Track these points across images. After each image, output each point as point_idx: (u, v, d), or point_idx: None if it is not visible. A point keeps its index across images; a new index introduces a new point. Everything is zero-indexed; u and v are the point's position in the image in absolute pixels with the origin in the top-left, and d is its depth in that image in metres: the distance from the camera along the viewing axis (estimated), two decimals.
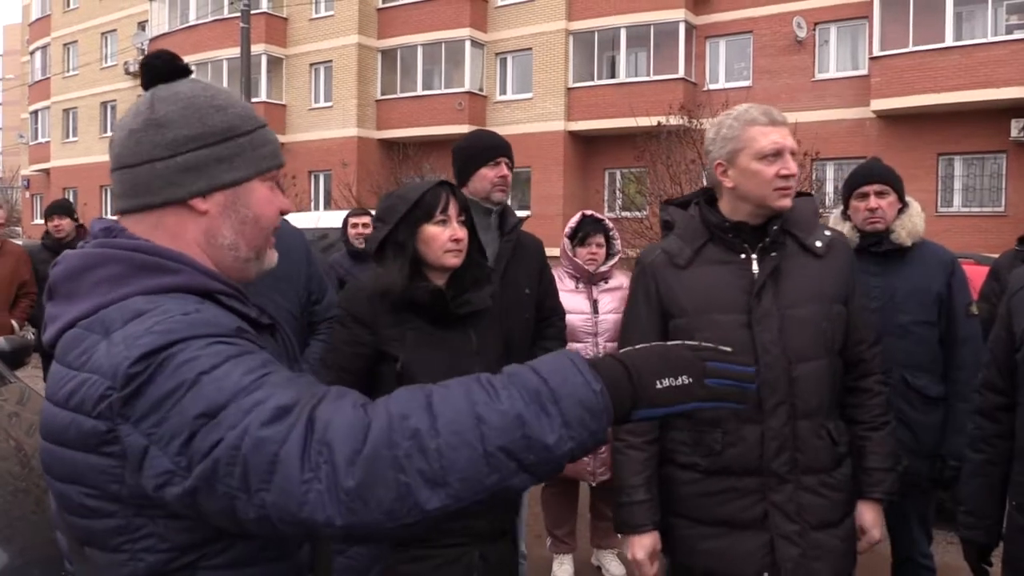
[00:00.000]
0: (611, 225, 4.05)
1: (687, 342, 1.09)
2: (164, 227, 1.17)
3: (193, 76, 1.24)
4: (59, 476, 1.08)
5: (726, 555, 2.11)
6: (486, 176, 2.91)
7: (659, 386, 1.01)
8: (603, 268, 3.96)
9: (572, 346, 3.85)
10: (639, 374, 1.01)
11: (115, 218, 1.22)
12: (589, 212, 4.12)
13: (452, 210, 2.17)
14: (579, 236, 3.97)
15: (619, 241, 4.09)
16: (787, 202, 2.07)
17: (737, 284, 2.10)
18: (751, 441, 2.07)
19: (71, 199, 32.45)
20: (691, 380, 1.03)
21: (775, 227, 2.11)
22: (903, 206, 3.12)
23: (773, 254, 2.11)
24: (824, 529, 2.09)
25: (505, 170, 2.94)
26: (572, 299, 3.90)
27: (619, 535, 4.03)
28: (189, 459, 0.95)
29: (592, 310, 3.93)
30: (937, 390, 3.02)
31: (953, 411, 3.00)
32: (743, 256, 2.12)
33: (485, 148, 2.97)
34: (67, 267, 1.13)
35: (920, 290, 3.02)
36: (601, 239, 3.97)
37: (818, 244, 2.14)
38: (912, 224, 3.07)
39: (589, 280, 3.97)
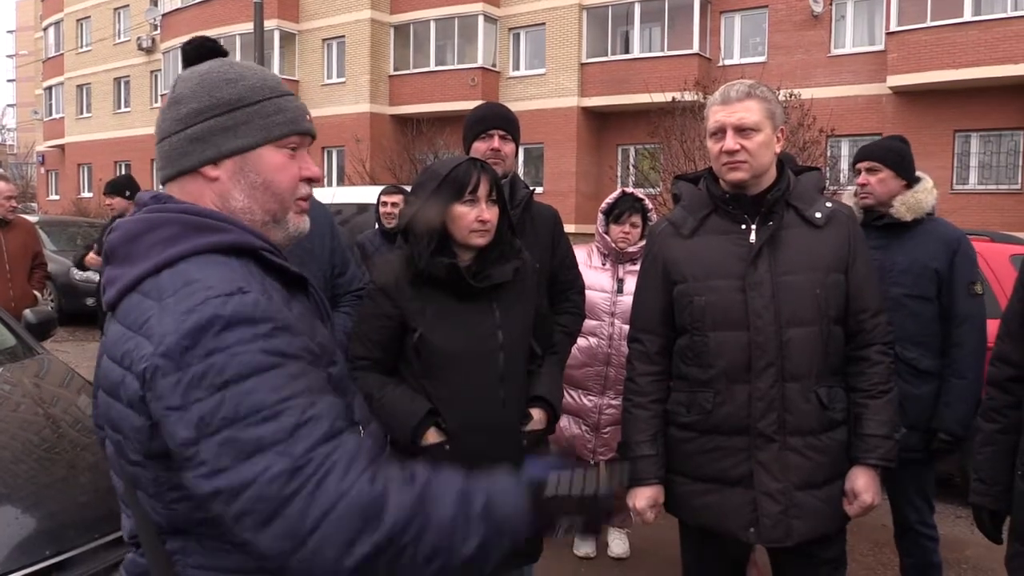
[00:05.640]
0: (650, 206, 3.93)
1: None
2: (187, 193, 1.27)
3: (225, 58, 1.33)
4: (112, 426, 1.18)
5: (716, 511, 2.24)
6: (478, 150, 2.88)
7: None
8: (632, 248, 3.84)
9: (587, 323, 3.86)
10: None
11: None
12: (630, 190, 4.00)
13: (482, 190, 2.19)
14: (615, 213, 3.87)
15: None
16: (736, 175, 2.20)
17: (735, 252, 2.22)
18: (740, 401, 2.19)
19: (85, 175, 32.57)
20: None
21: (772, 198, 2.22)
22: (910, 182, 3.17)
23: (770, 224, 2.21)
24: (806, 489, 2.19)
25: (497, 143, 2.89)
26: (596, 276, 3.87)
27: (631, 514, 4.14)
28: (192, 456, 1.05)
29: (616, 289, 3.85)
30: (928, 363, 3.07)
31: (947, 386, 3.05)
32: (743, 227, 2.24)
33: (475, 122, 2.94)
34: (124, 232, 1.22)
35: (917, 265, 3.07)
36: (637, 219, 3.85)
37: (817, 215, 2.24)
38: (915, 200, 3.12)
39: (617, 259, 3.90)
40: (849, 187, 3.51)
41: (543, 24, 23.42)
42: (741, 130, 2.17)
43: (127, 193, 5.90)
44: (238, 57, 25.57)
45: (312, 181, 1.34)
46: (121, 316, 1.18)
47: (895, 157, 3.20)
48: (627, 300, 3.82)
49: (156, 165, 1.31)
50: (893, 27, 18.63)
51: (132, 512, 1.23)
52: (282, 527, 1.02)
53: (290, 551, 1.02)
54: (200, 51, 1.32)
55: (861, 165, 3.23)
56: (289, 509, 1.02)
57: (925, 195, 3.13)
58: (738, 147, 2.17)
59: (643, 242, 3.87)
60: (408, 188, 5.99)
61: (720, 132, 2.21)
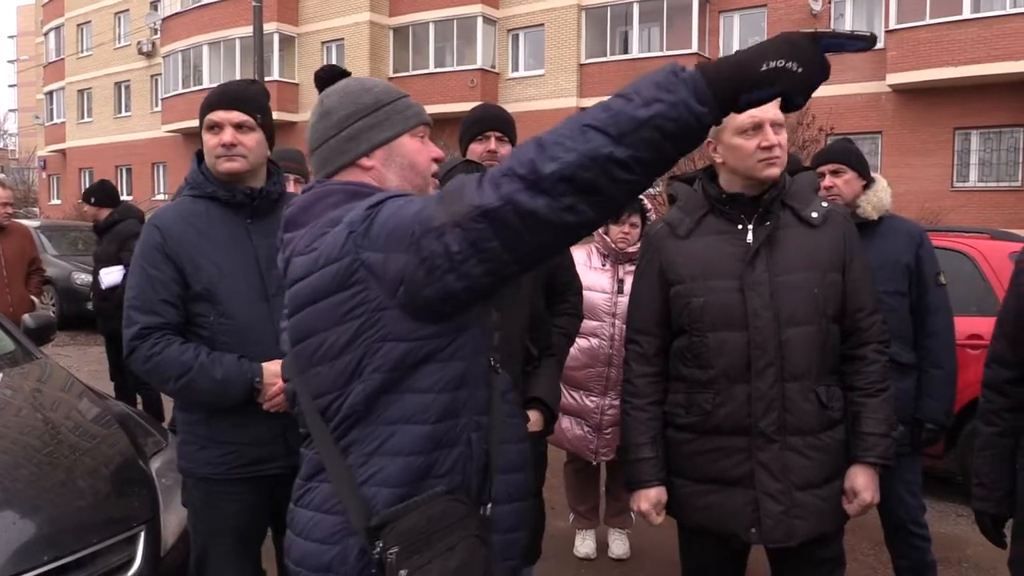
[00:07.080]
0: (649, 205, 3.90)
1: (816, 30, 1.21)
2: None
3: (351, 76, 1.65)
4: (307, 333, 1.41)
5: (718, 511, 2.23)
6: (475, 151, 2.88)
7: (764, 68, 1.15)
8: (632, 248, 3.78)
9: (588, 324, 3.85)
10: (747, 59, 1.16)
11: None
12: None
13: None
14: None
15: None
16: (773, 171, 2.17)
17: (732, 253, 2.22)
18: (740, 401, 2.18)
19: (86, 179, 32.61)
20: (799, 67, 1.15)
21: (768, 198, 2.21)
22: (868, 182, 3.25)
23: (767, 224, 2.21)
24: (807, 489, 2.18)
25: (493, 144, 2.88)
26: (596, 277, 3.86)
27: (631, 515, 4.14)
28: (411, 243, 1.28)
29: (616, 290, 3.82)
30: (908, 357, 3.14)
31: (927, 377, 3.15)
32: (740, 227, 2.24)
33: (472, 123, 2.94)
34: (300, 203, 1.51)
35: (890, 261, 3.14)
36: (636, 219, 3.80)
37: (814, 215, 2.24)
38: (877, 199, 3.21)
39: (617, 259, 3.85)
40: None
41: (542, 25, 23.44)
42: (776, 125, 2.16)
43: (92, 200, 6.15)
44: (238, 60, 25.69)
45: (439, 161, 1.63)
46: (295, 252, 1.44)
47: (857, 158, 3.28)
48: (627, 301, 3.81)
49: (315, 168, 1.58)
50: (892, 25, 18.62)
51: (310, 422, 1.45)
52: (465, 193, 1.24)
53: (472, 195, 1.22)
54: (331, 74, 1.63)
55: (825, 168, 3.27)
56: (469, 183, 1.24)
57: (884, 194, 3.23)
58: (778, 142, 2.15)
59: None
60: None
61: (757, 127, 2.15)
